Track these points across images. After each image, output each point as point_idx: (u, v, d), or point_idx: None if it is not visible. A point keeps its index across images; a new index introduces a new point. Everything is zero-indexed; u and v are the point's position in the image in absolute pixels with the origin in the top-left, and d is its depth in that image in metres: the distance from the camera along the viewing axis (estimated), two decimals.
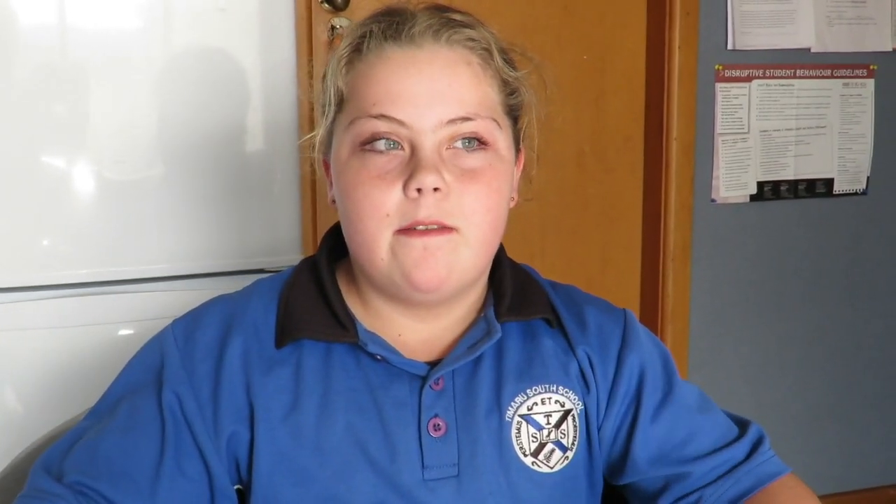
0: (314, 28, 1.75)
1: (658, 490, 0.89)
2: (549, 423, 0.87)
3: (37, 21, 1.57)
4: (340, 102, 0.86)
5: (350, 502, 0.82)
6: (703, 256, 2.15)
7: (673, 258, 2.11)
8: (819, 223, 2.23)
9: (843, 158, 2.21)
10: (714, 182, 2.12)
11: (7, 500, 0.87)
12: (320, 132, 0.89)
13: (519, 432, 0.86)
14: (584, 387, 0.89)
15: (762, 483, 0.87)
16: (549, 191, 2.03)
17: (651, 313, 2.16)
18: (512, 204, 0.90)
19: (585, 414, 0.89)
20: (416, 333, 0.88)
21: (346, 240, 0.87)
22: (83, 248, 1.64)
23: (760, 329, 2.23)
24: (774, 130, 2.15)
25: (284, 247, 1.74)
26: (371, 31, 0.84)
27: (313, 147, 0.91)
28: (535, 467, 0.86)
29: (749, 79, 2.11)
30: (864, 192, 2.25)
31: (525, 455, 0.86)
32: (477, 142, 0.83)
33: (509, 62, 0.87)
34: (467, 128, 0.82)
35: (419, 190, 0.79)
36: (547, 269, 0.99)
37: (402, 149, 0.81)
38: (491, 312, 0.88)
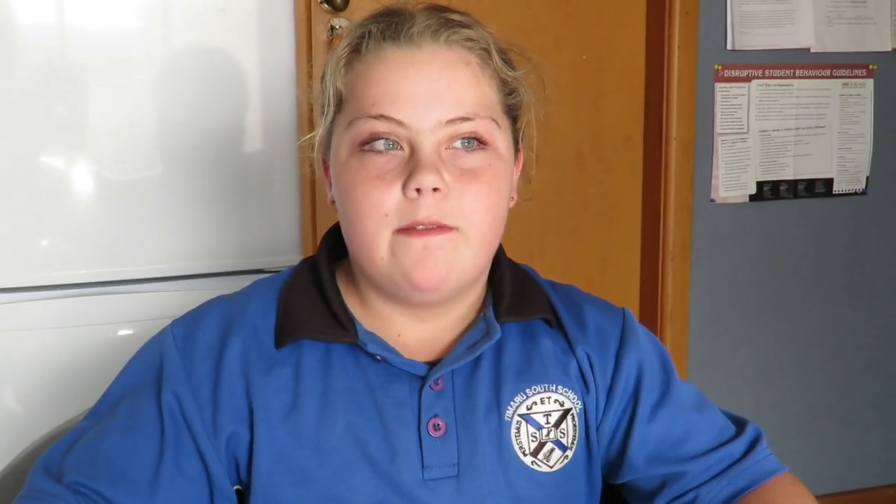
0: (313, 28, 1.75)
1: (655, 489, 0.89)
2: (548, 423, 0.87)
3: (36, 21, 1.57)
4: (339, 103, 0.86)
5: (350, 502, 0.82)
6: (702, 256, 2.15)
7: (672, 258, 2.11)
8: (818, 223, 2.23)
9: (843, 158, 2.22)
10: (713, 182, 2.12)
11: (6, 500, 0.87)
12: (319, 132, 0.89)
13: (518, 432, 0.86)
14: (583, 386, 0.90)
15: (758, 481, 0.87)
16: (549, 191, 2.03)
17: (650, 313, 2.16)
18: (511, 203, 0.90)
19: (585, 413, 0.89)
20: (415, 333, 0.88)
21: (346, 240, 0.87)
22: (83, 249, 1.64)
23: (760, 329, 2.23)
24: (774, 130, 2.15)
25: (284, 247, 1.74)
26: (370, 32, 0.84)
27: (313, 147, 0.91)
28: (535, 467, 0.86)
29: (748, 79, 2.11)
30: (863, 192, 2.25)
31: (525, 454, 0.86)
32: (476, 142, 0.83)
33: (508, 62, 0.87)
34: (466, 128, 0.82)
35: (418, 190, 0.79)
36: (546, 269, 0.99)
37: (402, 149, 0.81)
38: (490, 312, 0.88)
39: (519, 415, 0.87)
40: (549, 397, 0.88)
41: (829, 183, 2.21)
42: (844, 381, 2.32)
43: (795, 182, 2.19)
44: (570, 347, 0.90)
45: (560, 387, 0.88)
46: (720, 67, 2.09)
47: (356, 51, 0.85)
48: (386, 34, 0.83)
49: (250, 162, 1.71)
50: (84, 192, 1.63)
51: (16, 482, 0.89)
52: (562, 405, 0.88)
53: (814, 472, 2.31)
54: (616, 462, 0.91)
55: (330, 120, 0.87)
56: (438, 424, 0.84)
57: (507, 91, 0.87)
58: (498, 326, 0.87)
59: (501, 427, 0.86)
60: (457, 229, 0.81)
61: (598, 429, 0.90)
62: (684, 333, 2.16)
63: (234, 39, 1.67)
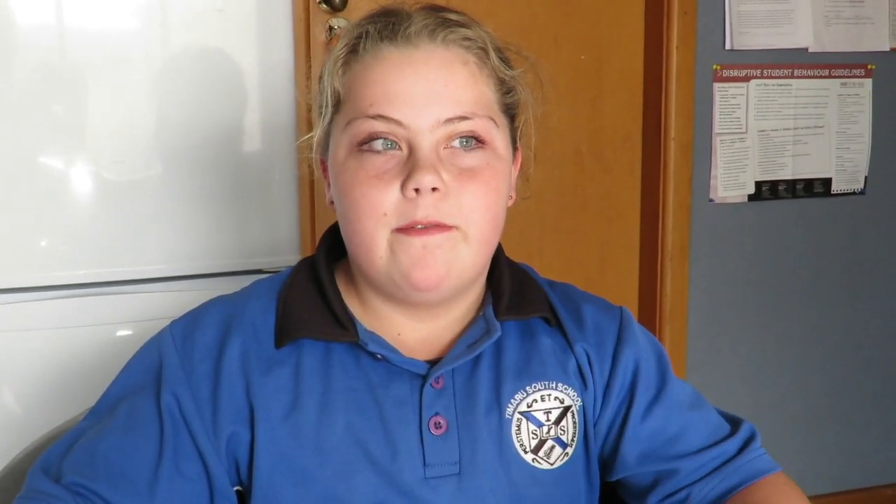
0: (312, 29, 1.75)
1: (648, 486, 0.89)
2: (548, 420, 0.87)
3: (35, 21, 1.57)
4: (337, 103, 0.86)
5: (351, 502, 0.82)
6: (701, 256, 2.15)
7: (671, 258, 2.11)
8: (817, 223, 2.23)
9: (841, 158, 2.22)
10: (712, 182, 2.12)
11: (5, 500, 0.87)
12: (318, 133, 0.89)
13: (519, 429, 0.86)
14: (581, 384, 0.90)
15: (750, 480, 0.87)
16: (548, 191, 2.03)
17: (649, 313, 2.16)
18: (510, 202, 0.90)
19: (584, 410, 0.89)
20: (415, 332, 0.88)
21: (345, 240, 0.87)
22: (81, 249, 1.64)
23: (758, 329, 2.23)
24: (772, 130, 2.15)
25: (282, 247, 1.74)
26: (367, 32, 0.84)
27: (311, 148, 0.91)
28: (536, 464, 0.87)
29: (747, 79, 2.11)
30: (861, 192, 2.25)
31: (525, 452, 0.86)
32: (474, 140, 0.83)
33: (505, 61, 0.87)
34: (464, 127, 0.82)
35: (417, 190, 0.79)
36: (545, 268, 0.99)
37: (400, 149, 0.81)
38: (490, 311, 0.88)
39: (519, 412, 0.87)
40: (549, 395, 0.88)
41: (827, 183, 2.22)
42: (843, 380, 2.32)
43: (794, 182, 2.19)
44: (569, 345, 0.90)
45: (560, 384, 0.89)
46: (719, 67, 2.09)
47: (353, 51, 0.85)
48: (383, 34, 0.83)
49: (249, 162, 1.71)
50: (83, 193, 1.63)
51: (14, 483, 0.89)
52: (562, 402, 0.88)
53: (812, 472, 2.31)
54: (609, 459, 0.91)
55: (328, 120, 0.87)
56: (439, 423, 0.84)
57: (505, 90, 0.87)
58: (498, 325, 0.87)
59: (502, 425, 0.86)
60: (456, 228, 0.81)
61: (595, 426, 0.90)
62: (683, 333, 2.16)
63: (233, 40, 1.67)
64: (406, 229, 0.80)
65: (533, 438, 0.87)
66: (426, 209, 0.79)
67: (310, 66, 1.65)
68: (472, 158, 0.83)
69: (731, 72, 2.10)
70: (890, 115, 2.24)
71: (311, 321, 0.85)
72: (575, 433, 0.89)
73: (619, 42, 2.09)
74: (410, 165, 0.80)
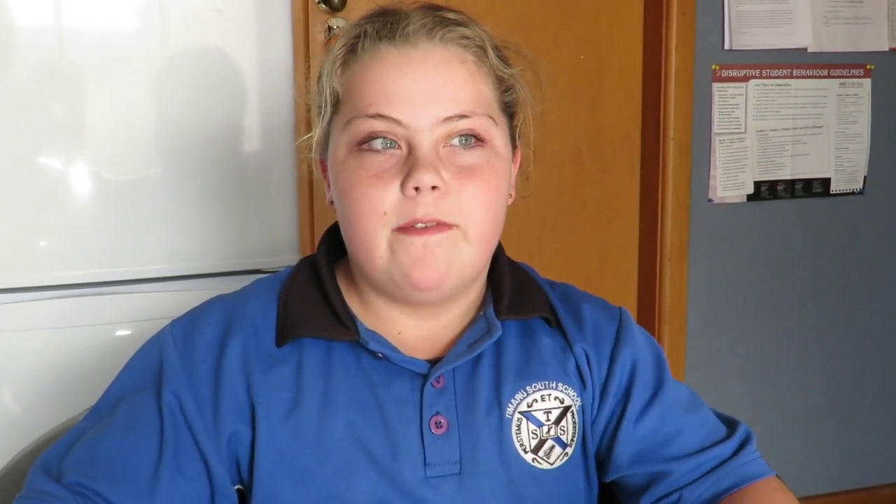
0: (311, 29, 1.75)
1: (642, 487, 0.89)
2: (548, 420, 0.87)
3: (34, 21, 1.57)
4: (336, 103, 0.86)
5: (351, 501, 0.82)
6: (700, 256, 2.15)
7: (670, 258, 2.11)
8: (816, 223, 2.23)
9: (840, 158, 2.22)
10: (711, 182, 2.12)
11: (5, 500, 0.87)
12: (317, 133, 0.89)
13: (519, 429, 0.86)
14: (581, 384, 0.90)
15: (741, 484, 0.87)
16: (547, 190, 2.04)
17: (648, 313, 2.16)
18: (510, 201, 0.90)
19: (583, 410, 0.89)
20: (415, 332, 0.89)
21: (345, 240, 0.87)
22: (81, 249, 1.64)
23: (757, 329, 2.23)
24: (771, 130, 2.15)
25: (282, 247, 1.74)
26: (365, 32, 0.84)
27: (310, 148, 0.91)
28: (536, 464, 0.87)
29: (746, 79, 2.11)
30: (860, 192, 2.25)
31: (525, 452, 0.86)
32: (474, 139, 0.83)
33: (503, 59, 0.88)
34: (463, 125, 0.82)
35: (417, 188, 0.79)
36: (545, 268, 0.99)
37: (399, 148, 0.82)
38: (490, 311, 0.88)
39: (520, 412, 0.87)
40: (549, 394, 0.88)
41: (826, 183, 2.22)
42: (842, 380, 2.32)
43: (793, 182, 2.19)
44: (569, 345, 0.90)
45: (560, 384, 0.89)
46: (718, 67, 2.09)
47: (352, 51, 0.85)
48: (381, 34, 0.83)
49: (248, 162, 1.71)
50: (82, 193, 1.63)
51: (13, 483, 0.89)
52: (562, 402, 0.88)
53: (812, 472, 2.31)
54: (604, 459, 0.91)
55: (327, 120, 0.88)
56: (440, 422, 0.84)
57: (504, 88, 0.87)
58: (498, 324, 0.87)
59: (502, 424, 0.86)
60: (456, 227, 0.81)
61: (592, 425, 0.90)
62: (682, 333, 2.16)
63: (232, 40, 1.67)
64: (406, 229, 0.80)
65: (533, 438, 0.87)
66: (426, 207, 0.79)
67: (309, 66, 1.65)
68: (472, 157, 0.83)
69: (730, 72, 2.10)
70: (889, 115, 2.24)
71: (312, 320, 0.86)
72: (575, 433, 0.89)
73: (619, 42, 2.09)
74: (410, 164, 0.80)
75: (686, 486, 0.87)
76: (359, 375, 0.85)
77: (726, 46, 2.08)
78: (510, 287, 0.91)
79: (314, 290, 0.88)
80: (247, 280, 0.95)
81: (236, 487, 0.86)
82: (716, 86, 2.09)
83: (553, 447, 0.88)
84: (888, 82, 2.22)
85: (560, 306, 0.93)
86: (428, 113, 0.81)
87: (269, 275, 0.94)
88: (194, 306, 0.91)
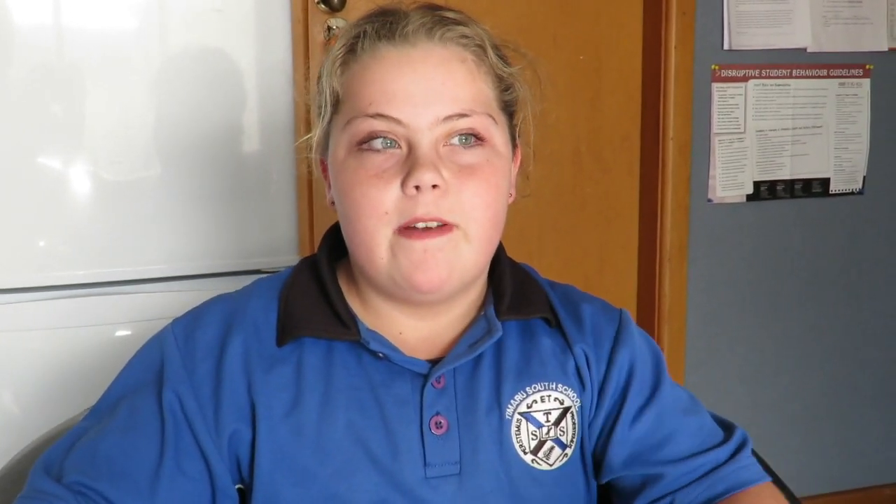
0: (310, 29, 1.75)
1: (635, 489, 0.89)
2: (548, 421, 0.87)
3: (33, 21, 1.57)
4: (336, 103, 0.86)
5: (351, 501, 0.82)
6: (699, 256, 2.15)
7: (669, 258, 2.11)
8: (815, 223, 2.23)
9: (840, 158, 2.22)
10: (710, 182, 2.12)
11: (6, 500, 0.87)
12: (317, 133, 0.89)
13: (519, 430, 0.86)
14: (580, 384, 0.90)
15: (735, 489, 0.86)
16: (546, 190, 2.04)
17: (647, 313, 2.16)
18: (510, 200, 0.90)
19: (582, 411, 0.89)
20: (416, 332, 0.89)
21: (346, 240, 0.87)
22: (80, 249, 1.64)
23: (757, 329, 2.23)
24: (771, 130, 2.16)
25: (281, 247, 1.74)
26: (365, 32, 0.84)
27: (310, 148, 0.91)
28: (535, 465, 0.87)
29: (745, 79, 2.11)
30: (860, 192, 2.25)
31: (525, 453, 0.86)
32: (474, 138, 0.83)
33: (503, 58, 0.88)
34: (463, 124, 0.82)
35: (417, 187, 0.79)
36: (544, 268, 0.99)
37: (399, 147, 0.82)
38: (491, 311, 0.88)
39: (519, 413, 0.87)
40: (548, 395, 0.88)
41: (825, 183, 2.22)
42: (842, 380, 2.32)
43: (792, 182, 2.19)
44: (569, 346, 0.90)
45: (559, 385, 0.89)
46: (717, 67, 2.09)
47: (352, 51, 0.85)
48: (381, 33, 0.84)
49: (248, 162, 1.71)
50: (81, 193, 1.63)
51: (13, 483, 0.89)
52: (561, 403, 0.88)
53: (811, 472, 2.31)
54: (599, 461, 0.91)
55: (327, 120, 0.88)
56: (440, 422, 0.84)
57: (503, 87, 0.88)
58: (499, 324, 0.87)
59: (502, 425, 0.86)
60: (457, 226, 0.81)
61: (589, 426, 0.90)
62: (681, 333, 2.16)
63: (231, 40, 1.67)
64: (407, 232, 0.80)
65: (532, 439, 0.87)
66: (427, 206, 0.79)
67: (308, 67, 1.65)
68: (472, 156, 0.83)
69: (729, 72, 2.10)
70: (888, 115, 2.24)
71: (313, 319, 0.86)
72: (574, 434, 0.89)
73: (618, 42, 2.09)
74: (410, 163, 0.80)
75: (679, 490, 0.87)
76: (359, 375, 0.85)
77: (726, 46, 2.08)
78: (511, 287, 0.91)
79: (315, 289, 0.88)
80: (247, 280, 0.95)
81: (237, 487, 0.86)
82: (715, 86, 2.09)
83: (552, 448, 0.87)
84: (887, 82, 2.22)
85: (560, 307, 0.93)
86: (428, 112, 0.81)
87: (269, 275, 0.94)
88: (195, 306, 0.91)
